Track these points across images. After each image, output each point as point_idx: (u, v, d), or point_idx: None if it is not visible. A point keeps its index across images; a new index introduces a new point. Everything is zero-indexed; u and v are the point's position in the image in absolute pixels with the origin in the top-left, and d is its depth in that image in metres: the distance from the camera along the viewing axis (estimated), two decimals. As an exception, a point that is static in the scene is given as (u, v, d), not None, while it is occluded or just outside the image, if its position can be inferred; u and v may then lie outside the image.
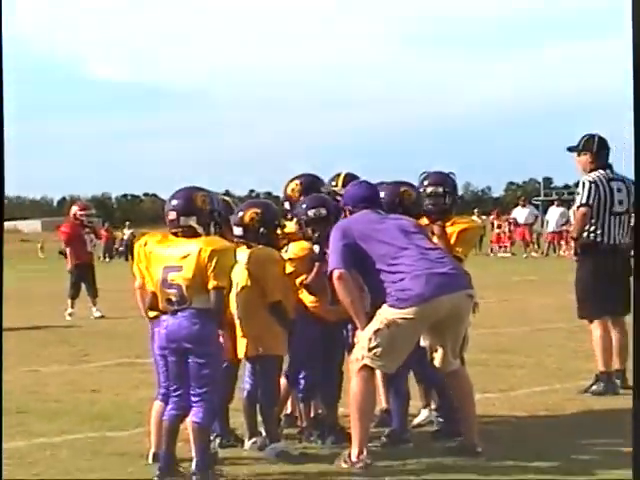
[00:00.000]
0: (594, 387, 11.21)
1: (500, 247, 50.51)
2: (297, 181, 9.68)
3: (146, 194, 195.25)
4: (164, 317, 8.09)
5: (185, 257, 7.83)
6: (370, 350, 8.12)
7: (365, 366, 8.26)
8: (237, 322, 9.00)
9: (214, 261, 7.73)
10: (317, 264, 8.89)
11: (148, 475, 7.71)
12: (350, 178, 9.74)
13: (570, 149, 11.67)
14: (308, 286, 9.02)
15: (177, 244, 8.00)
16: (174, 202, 8.19)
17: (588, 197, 11.25)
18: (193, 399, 7.88)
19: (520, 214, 53.09)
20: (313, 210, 9.01)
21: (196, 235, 8.01)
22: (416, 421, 9.85)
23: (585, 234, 11.41)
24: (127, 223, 70.02)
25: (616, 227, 11.35)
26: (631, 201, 11.14)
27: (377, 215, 8.71)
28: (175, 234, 8.24)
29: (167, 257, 8.01)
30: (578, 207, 11.50)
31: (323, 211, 9.00)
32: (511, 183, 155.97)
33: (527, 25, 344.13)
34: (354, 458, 8.20)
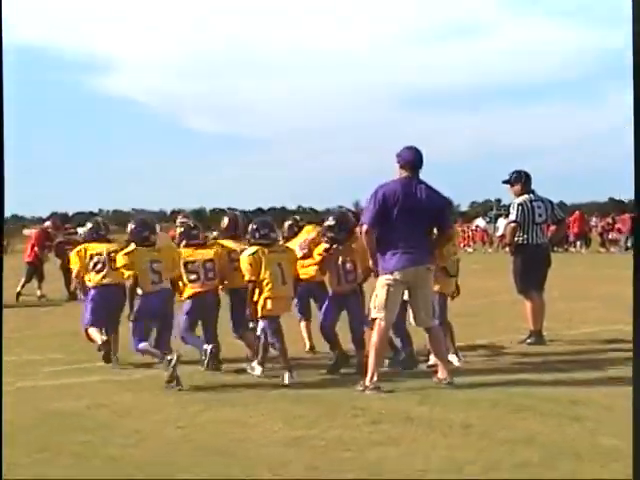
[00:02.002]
0: (528, 340, 14.89)
1: (465, 245, 56.45)
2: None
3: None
4: None
5: None
6: (374, 306, 11.37)
7: (375, 321, 11.42)
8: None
9: None
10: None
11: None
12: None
13: (504, 182, 15.74)
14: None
15: None
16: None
17: (517, 215, 15.21)
18: None
19: (480, 222, 67.66)
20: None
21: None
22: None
23: (516, 239, 15.34)
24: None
25: (537, 233, 15.34)
26: (549, 214, 15.44)
27: (409, 185, 11.27)
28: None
29: None
30: (509, 222, 15.69)
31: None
32: (473, 202, 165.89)
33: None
34: (367, 382, 11.02)
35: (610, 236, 56.76)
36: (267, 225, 12.67)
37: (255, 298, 12.08)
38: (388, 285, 11.19)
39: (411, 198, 11.18)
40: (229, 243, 13.63)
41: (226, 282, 13.41)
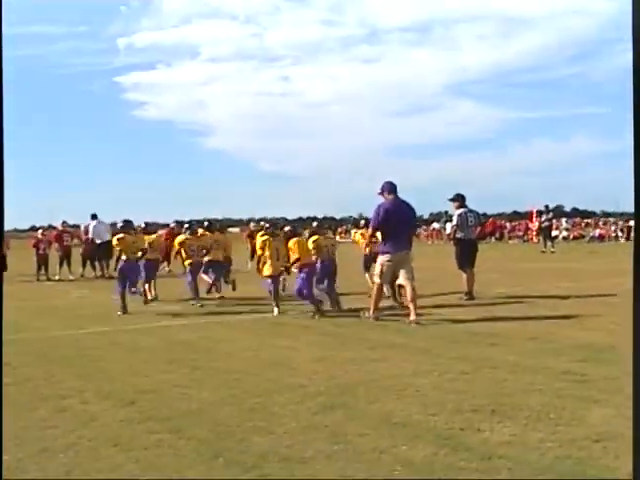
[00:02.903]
0: (465, 297, 15.00)
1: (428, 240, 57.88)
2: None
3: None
4: None
5: None
6: (377, 275, 12.56)
7: (376, 283, 12.65)
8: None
9: None
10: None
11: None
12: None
13: (450, 200, 16.05)
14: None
15: None
16: None
17: (457, 221, 15.70)
18: None
19: (436, 225, 66.00)
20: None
21: None
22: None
23: (457, 235, 15.70)
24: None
25: (470, 230, 15.77)
26: (476, 220, 15.97)
27: (396, 202, 12.38)
28: None
29: None
30: (452, 227, 16.31)
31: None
32: (431, 213, 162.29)
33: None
34: (371, 314, 12.36)
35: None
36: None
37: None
38: (385, 263, 12.39)
39: (399, 211, 12.44)
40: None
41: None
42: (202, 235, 16.83)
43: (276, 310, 13.40)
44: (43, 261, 24.44)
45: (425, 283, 16.27)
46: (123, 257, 14.95)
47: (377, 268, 12.53)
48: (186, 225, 17.47)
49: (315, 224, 15.61)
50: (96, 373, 8.24)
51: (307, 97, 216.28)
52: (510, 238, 58.37)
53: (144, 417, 6.15)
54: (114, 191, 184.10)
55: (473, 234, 15.89)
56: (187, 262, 16.07)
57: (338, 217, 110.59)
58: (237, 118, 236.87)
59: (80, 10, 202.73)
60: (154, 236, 17.59)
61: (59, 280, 23.87)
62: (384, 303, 13.16)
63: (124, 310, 14.10)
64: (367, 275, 16.04)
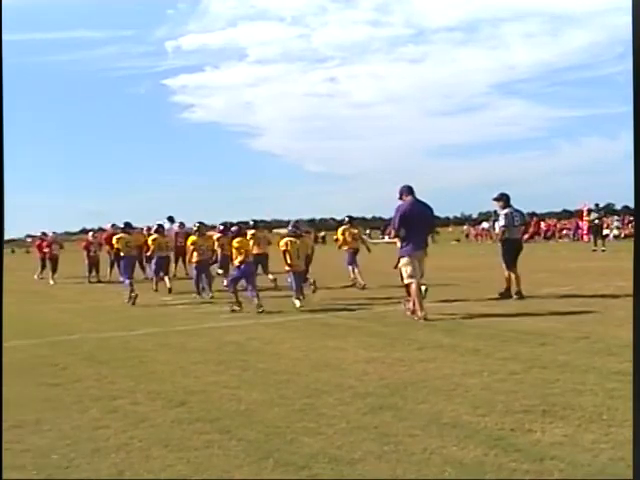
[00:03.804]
0: (515, 297, 14.76)
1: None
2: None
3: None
4: None
5: None
6: (407, 277, 12.70)
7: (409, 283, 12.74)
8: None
9: None
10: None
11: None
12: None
13: (494, 199, 16.01)
14: None
15: None
16: None
17: (506, 222, 15.53)
18: None
19: (485, 225, 65.44)
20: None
21: None
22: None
23: (504, 236, 15.56)
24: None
25: (515, 231, 15.60)
26: (522, 220, 16.02)
27: (414, 203, 12.81)
28: None
29: None
30: (501, 227, 15.91)
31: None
32: (480, 212, 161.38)
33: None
34: (420, 314, 12.18)
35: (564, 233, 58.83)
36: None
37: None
38: (409, 263, 12.67)
39: (417, 212, 12.84)
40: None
41: None
42: (209, 236, 19.10)
43: (297, 302, 14.88)
44: (94, 263, 24.74)
45: (473, 282, 16.20)
46: (122, 254, 18.04)
47: (404, 270, 12.80)
48: (195, 226, 19.21)
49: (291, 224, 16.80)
50: (146, 374, 8.31)
51: (354, 98, 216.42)
52: (560, 237, 57.90)
53: (194, 418, 6.19)
54: (161, 193, 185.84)
55: (518, 234, 15.78)
56: (194, 260, 18.08)
57: (386, 217, 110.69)
58: (284, 119, 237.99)
59: (126, 14, 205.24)
60: (159, 236, 20.28)
61: (109, 282, 23.97)
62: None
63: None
64: (350, 268, 19.30)
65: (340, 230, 20.40)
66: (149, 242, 20.40)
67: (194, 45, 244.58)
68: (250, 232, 18.33)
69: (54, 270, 25.60)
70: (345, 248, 19.89)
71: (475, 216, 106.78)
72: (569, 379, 7.18)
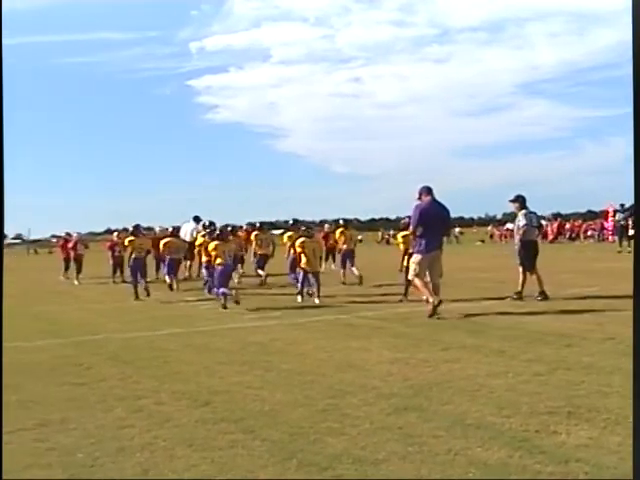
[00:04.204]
0: (538, 297, 14.74)
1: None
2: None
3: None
4: None
5: None
6: (412, 273, 13.34)
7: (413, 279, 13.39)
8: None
9: None
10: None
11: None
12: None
13: (510, 200, 15.95)
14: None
15: None
16: None
17: (526, 219, 15.41)
18: None
19: (510, 226, 60.98)
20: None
21: None
22: None
23: (523, 237, 15.36)
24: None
25: (534, 232, 15.72)
26: (538, 222, 16.31)
27: (432, 204, 13.23)
28: None
29: None
30: (522, 226, 15.41)
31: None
32: (504, 213, 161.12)
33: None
34: (431, 301, 12.75)
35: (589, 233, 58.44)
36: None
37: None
38: (419, 261, 13.20)
39: (435, 212, 13.27)
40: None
41: None
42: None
43: (316, 300, 15.83)
44: (118, 263, 24.76)
45: (498, 283, 16.15)
46: (133, 256, 18.91)
47: (412, 266, 13.39)
48: (203, 228, 20.16)
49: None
50: (171, 374, 8.34)
51: (378, 98, 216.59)
52: (585, 238, 57.46)
53: (218, 418, 6.22)
54: (186, 193, 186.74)
55: (535, 235, 15.88)
56: (204, 260, 18.19)
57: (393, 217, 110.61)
58: (308, 120, 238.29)
59: (150, 16, 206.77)
60: (173, 239, 21.52)
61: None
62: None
63: (136, 296, 18.14)
64: (342, 271, 20.78)
65: (338, 232, 21.82)
66: (161, 244, 21.24)
67: (218, 46, 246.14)
68: (254, 233, 20.70)
69: (79, 270, 25.67)
70: (342, 249, 21.43)
71: (499, 217, 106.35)
72: (594, 381, 7.15)
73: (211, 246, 16.03)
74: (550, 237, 52.92)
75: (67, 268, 27.17)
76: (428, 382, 7.40)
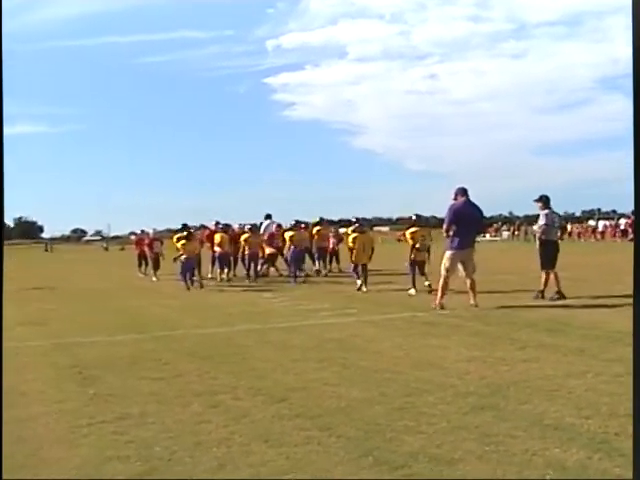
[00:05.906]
0: (536, 294, 15.25)
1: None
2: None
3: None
4: None
5: None
6: (444, 268, 14.18)
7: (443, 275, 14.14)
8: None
9: None
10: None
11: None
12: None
13: (535, 200, 16.14)
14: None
15: None
16: None
17: (546, 220, 15.72)
18: None
19: (592, 223, 65.35)
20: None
21: None
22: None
23: (543, 236, 15.79)
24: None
25: (554, 232, 15.99)
26: (560, 222, 16.63)
27: (466, 204, 14.10)
28: None
29: None
30: (541, 226, 15.87)
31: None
32: (583, 211, 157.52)
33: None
34: (436, 302, 13.90)
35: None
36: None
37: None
38: (452, 257, 14.12)
39: (468, 212, 14.17)
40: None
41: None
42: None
43: (364, 288, 17.99)
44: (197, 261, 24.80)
45: (579, 282, 15.90)
46: (184, 255, 21.15)
47: (444, 262, 14.21)
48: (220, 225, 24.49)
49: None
50: (247, 370, 8.42)
51: (454, 94, 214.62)
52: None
53: (294, 414, 6.27)
54: (262, 191, 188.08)
55: (556, 236, 16.13)
56: (247, 253, 22.45)
57: (488, 215, 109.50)
58: (385, 117, 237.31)
59: (226, 14, 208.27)
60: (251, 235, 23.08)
61: (211, 278, 23.83)
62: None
63: (187, 288, 20.64)
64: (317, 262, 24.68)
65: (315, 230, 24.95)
66: (241, 240, 23.09)
67: (294, 43, 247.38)
68: (288, 233, 22.82)
69: (156, 267, 25.96)
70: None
71: (578, 214, 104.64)
72: (678, 382, 7.03)
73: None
74: (630, 236, 52.11)
75: (140, 264, 27.81)
76: (505, 381, 7.36)
